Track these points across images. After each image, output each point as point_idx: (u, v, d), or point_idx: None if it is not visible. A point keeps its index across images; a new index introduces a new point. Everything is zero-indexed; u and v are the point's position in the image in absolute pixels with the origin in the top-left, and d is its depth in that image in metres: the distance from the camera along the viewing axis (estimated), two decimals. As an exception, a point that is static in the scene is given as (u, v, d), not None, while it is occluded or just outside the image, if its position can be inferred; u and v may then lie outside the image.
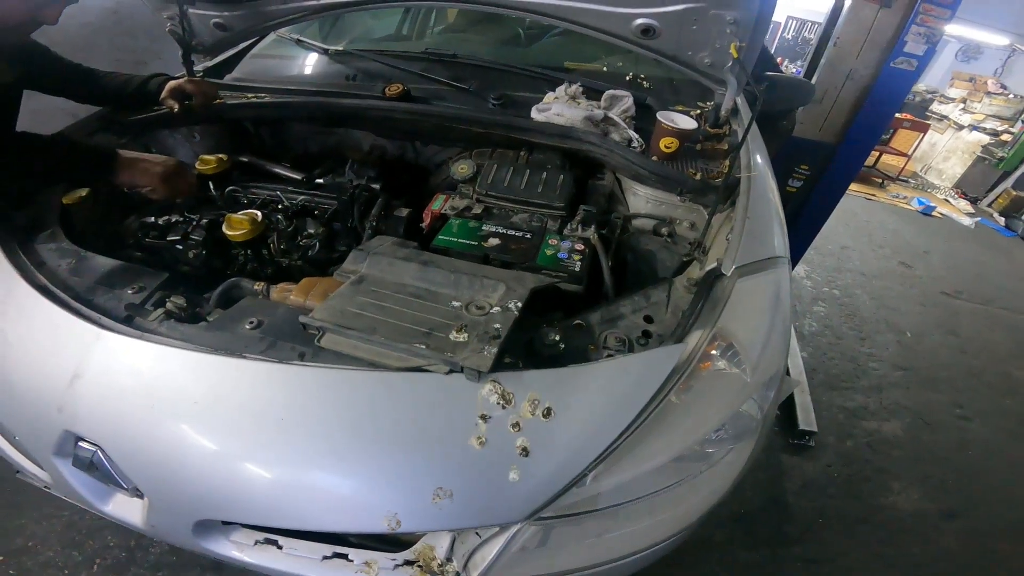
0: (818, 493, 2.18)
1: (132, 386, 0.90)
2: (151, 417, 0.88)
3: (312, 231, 1.48)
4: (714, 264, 1.11)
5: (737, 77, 1.40)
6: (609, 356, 0.93)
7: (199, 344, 0.94)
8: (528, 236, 1.21)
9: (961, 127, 6.62)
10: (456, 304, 0.95)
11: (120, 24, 2.18)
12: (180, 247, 1.40)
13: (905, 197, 6.05)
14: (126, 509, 1.01)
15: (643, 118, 1.47)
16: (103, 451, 0.90)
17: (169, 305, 1.06)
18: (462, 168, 1.42)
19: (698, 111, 1.56)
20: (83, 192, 1.35)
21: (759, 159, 1.34)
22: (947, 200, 6.17)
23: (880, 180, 6.44)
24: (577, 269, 1.11)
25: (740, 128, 1.47)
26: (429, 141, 1.73)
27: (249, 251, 1.44)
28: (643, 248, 1.31)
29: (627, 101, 1.43)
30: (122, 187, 1.30)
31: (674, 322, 1.03)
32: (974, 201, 6.20)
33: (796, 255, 3.15)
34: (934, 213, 5.74)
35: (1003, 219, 5.82)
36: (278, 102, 1.54)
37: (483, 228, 1.23)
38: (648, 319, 1.04)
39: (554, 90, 1.50)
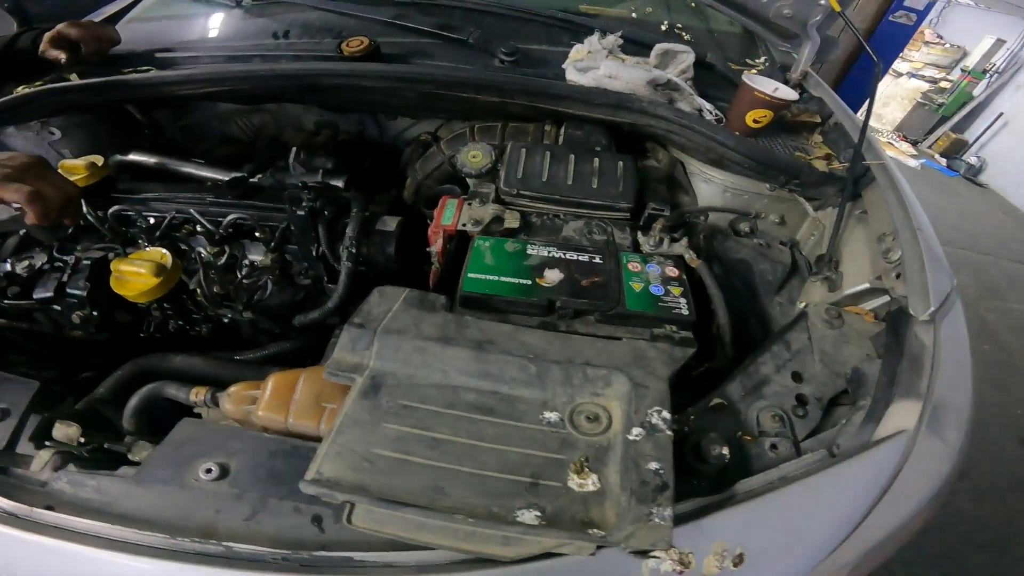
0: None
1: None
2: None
3: (256, 260, 1.03)
4: (863, 287, 0.82)
5: (821, 32, 1.08)
6: (773, 447, 0.66)
7: (135, 519, 0.56)
8: (598, 260, 0.83)
9: (900, 74, 6.85)
10: (552, 418, 0.59)
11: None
12: (58, 307, 0.92)
13: None
14: None
15: (700, 80, 1.10)
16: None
17: (58, 434, 0.64)
18: (474, 156, 0.99)
19: (754, 71, 1.21)
20: None
21: (871, 138, 1.02)
22: (891, 143, 6.38)
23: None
24: (685, 312, 0.76)
25: (819, 92, 1.14)
26: (402, 113, 1.27)
27: (166, 305, 0.98)
28: (732, 256, 0.98)
29: (687, 58, 1.05)
30: None
31: (828, 375, 0.74)
32: (915, 143, 6.47)
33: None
34: None
35: (944, 160, 6.10)
36: (177, 76, 1.03)
37: (530, 252, 0.84)
38: (797, 377, 0.74)
39: (582, 42, 1.08)
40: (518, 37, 1.12)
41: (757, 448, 0.65)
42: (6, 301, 0.90)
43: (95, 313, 0.92)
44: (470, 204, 0.93)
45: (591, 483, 0.53)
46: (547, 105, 1.00)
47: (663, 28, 1.24)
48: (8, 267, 0.92)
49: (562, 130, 1.06)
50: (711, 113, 1.01)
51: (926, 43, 7.03)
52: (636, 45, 1.10)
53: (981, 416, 2.37)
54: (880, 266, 0.82)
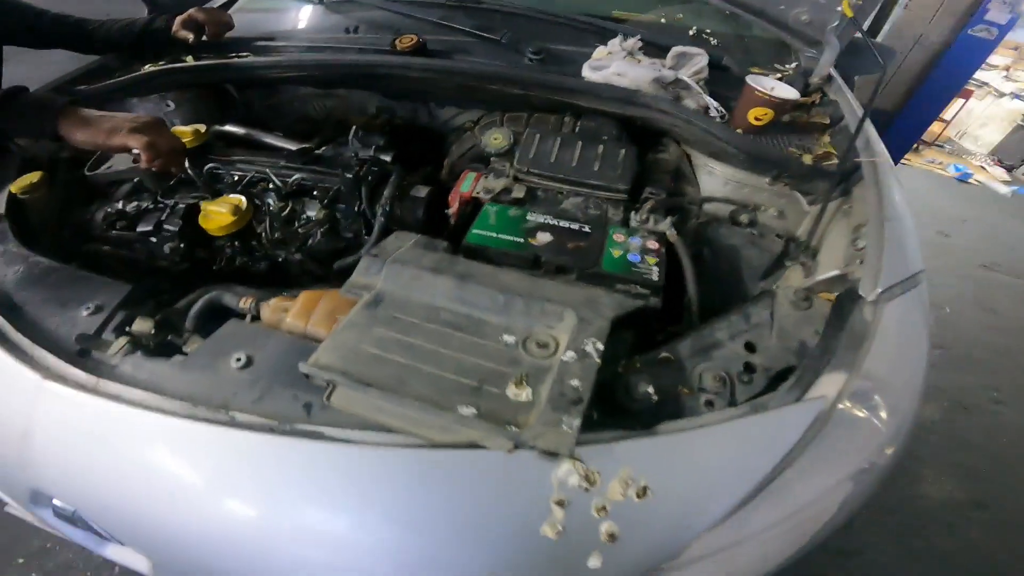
0: (850, 482, 2.06)
1: (93, 452, 0.71)
2: (127, 490, 0.71)
3: (311, 214, 1.23)
4: (833, 273, 0.87)
5: (840, 39, 1.13)
6: (708, 403, 0.72)
7: (172, 393, 0.72)
8: (587, 229, 0.95)
9: (1002, 94, 6.28)
10: (509, 340, 0.71)
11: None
12: (154, 239, 1.15)
13: (941, 163, 5.77)
14: (129, 558, 0.86)
15: (716, 81, 1.18)
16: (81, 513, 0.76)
17: (136, 328, 0.82)
18: (496, 138, 1.14)
19: (779, 76, 1.27)
20: (35, 177, 1.10)
21: (873, 139, 1.07)
22: (983, 167, 5.88)
23: (916, 145, 6.10)
24: (655, 278, 0.86)
25: (838, 96, 1.19)
26: (448, 102, 1.44)
27: (237, 243, 1.19)
28: (723, 242, 1.06)
29: (700, 60, 1.14)
30: (82, 148, 1.04)
31: (781, 350, 0.80)
32: (1010, 169, 5.93)
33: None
34: (971, 180, 5.45)
35: None
36: (265, 62, 1.25)
37: (528, 218, 0.97)
38: (750, 347, 0.80)
39: (606, 44, 1.20)
40: (549, 38, 1.26)
41: (692, 401, 0.72)
42: (114, 232, 1.14)
43: (182, 246, 1.14)
44: (486, 177, 1.07)
45: (525, 395, 0.64)
46: (563, 98, 1.13)
47: (691, 33, 1.33)
48: (120, 206, 1.16)
49: (579, 121, 1.18)
50: (717, 110, 1.09)
51: (1032, 62, 6.43)
52: (656, 48, 1.21)
53: (1020, 455, 2.25)
54: (850, 254, 0.87)
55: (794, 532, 0.78)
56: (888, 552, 1.85)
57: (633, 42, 1.17)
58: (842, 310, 0.78)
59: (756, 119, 1.05)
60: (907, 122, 2.43)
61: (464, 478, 0.63)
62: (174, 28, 1.33)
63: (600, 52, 1.18)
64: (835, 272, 0.88)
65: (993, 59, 7.03)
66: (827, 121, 1.13)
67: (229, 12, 1.55)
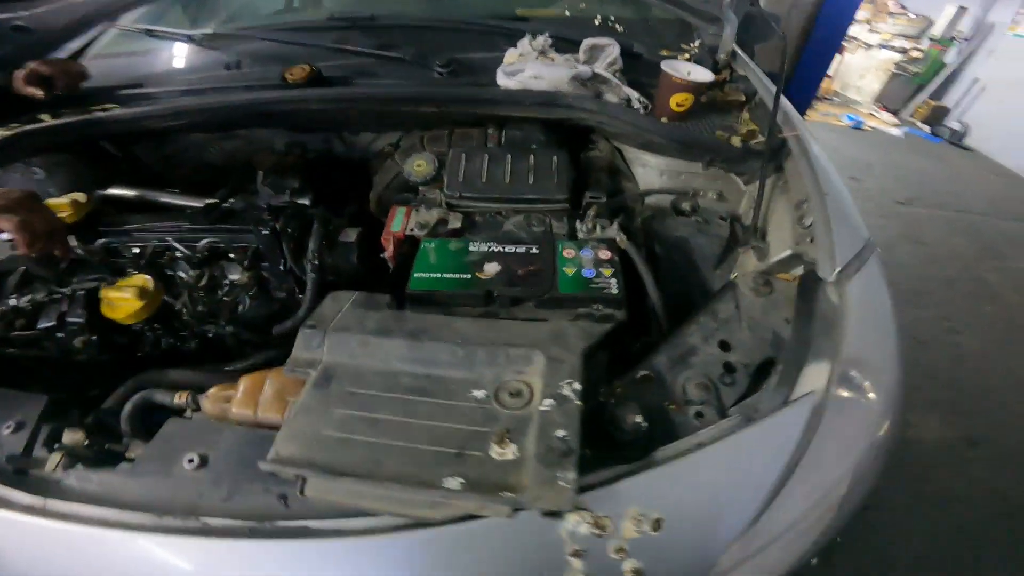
0: (835, 438, 2.10)
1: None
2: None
3: (234, 279, 1.12)
4: (786, 253, 0.88)
5: (737, 13, 1.14)
6: (698, 415, 0.70)
7: (131, 505, 0.64)
8: (535, 250, 0.91)
9: (870, 46, 6.89)
10: (479, 395, 0.66)
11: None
12: (61, 335, 1.01)
13: (834, 115, 6.27)
14: None
15: (631, 70, 1.16)
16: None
17: (67, 439, 0.73)
18: (419, 165, 1.07)
19: (687, 56, 1.27)
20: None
21: (789, 109, 1.08)
22: (872, 114, 6.44)
23: (809, 100, 6.60)
24: (615, 291, 0.83)
25: (746, 71, 1.20)
26: (362, 129, 1.35)
27: (156, 325, 1.07)
28: (671, 234, 1.05)
29: (613, 51, 1.12)
30: None
31: (756, 342, 0.79)
32: (895, 113, 6.51)
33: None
34: (864, 127, 5.95)
35: (927, 127, 6.08)
36: (138, 112, 1.11)
37: (471, 249, 0.91)
38: (724, 346, 0.79)
39: (515, 46, 1.15)
40: (455, 48, 1.20)
41: (682, 417, 0.70)
42: (14, 333, 1.00)
43: (94, 338, 1.01)
44: (417, 210, 1.01)
45: (511, 452, 0.59)
46: (483, 110, 1.07)
47: (596, 22, 1.30)
48: (13, 302, 1.02)
49: (503, 132, 1.13)
50: (638, 101, 1.07)
51: (890, 14, 7.02)
52: (567, 43, 1.17)
53: (991, 382, 2.35)
54: (798, 232, 0.88)
55: (817, 523, 0.76)
56: (903, 501, 1.84)
57: (543, 40, 1.13)
58: (807, 295, 0.78)
59: (678, 105, 1.04)
60: (801, 82, 2.59)
61: (470, 552, 0.59)
62: (16, 85, 1.14)
63: (511, 55, 1.13)
64: (788, 252, 0.88)
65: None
66: (743, 98, 1.14)
67: (85, 59, 1.36)
